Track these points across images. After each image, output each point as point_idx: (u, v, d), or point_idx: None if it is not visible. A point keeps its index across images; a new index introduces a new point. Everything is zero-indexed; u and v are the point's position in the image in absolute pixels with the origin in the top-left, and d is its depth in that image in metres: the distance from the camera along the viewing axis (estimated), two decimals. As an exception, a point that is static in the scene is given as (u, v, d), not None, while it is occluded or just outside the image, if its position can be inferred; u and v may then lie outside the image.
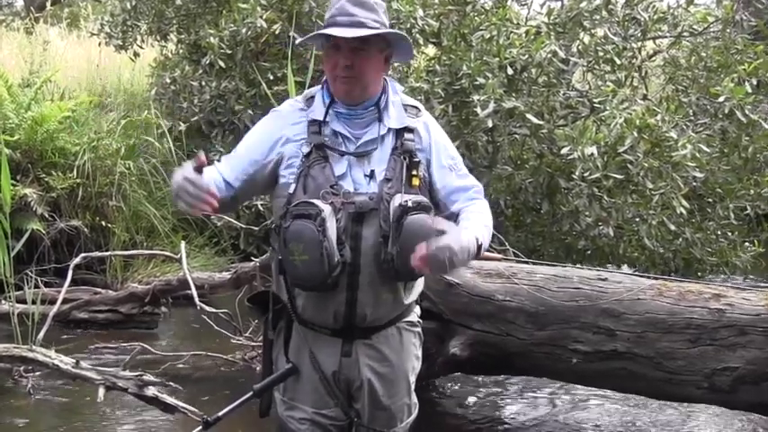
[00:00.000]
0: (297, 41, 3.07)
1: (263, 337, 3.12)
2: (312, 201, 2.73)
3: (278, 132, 2.89)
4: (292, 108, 2.96)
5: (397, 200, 2.75)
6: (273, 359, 3.06)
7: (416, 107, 2.98)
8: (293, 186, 2.81)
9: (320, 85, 2.95)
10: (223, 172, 2.87)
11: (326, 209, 2.71)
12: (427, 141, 2.92)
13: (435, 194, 2.92)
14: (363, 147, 2.85)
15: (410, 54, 3.02)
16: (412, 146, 2.87)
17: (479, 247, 2.70)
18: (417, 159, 2.85)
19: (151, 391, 4.75)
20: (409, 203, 2.75)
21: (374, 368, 2.94)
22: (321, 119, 2.86)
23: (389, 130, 2.87)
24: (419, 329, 3.09)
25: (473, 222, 2.82)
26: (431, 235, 2.67)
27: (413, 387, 3.08)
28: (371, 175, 2.82)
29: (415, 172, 2.83)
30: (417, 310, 3.08)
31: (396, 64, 7.16)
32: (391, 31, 2.86)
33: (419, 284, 3.03)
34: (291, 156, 2.85)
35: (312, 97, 2.93)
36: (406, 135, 2.88)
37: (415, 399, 3.11)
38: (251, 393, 2.97)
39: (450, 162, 2.96)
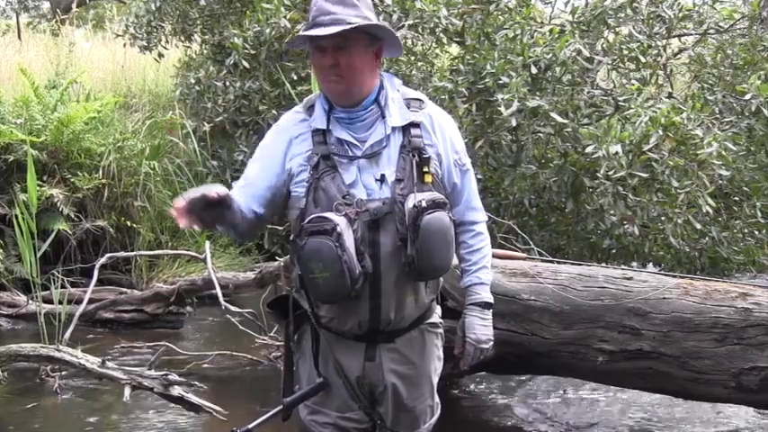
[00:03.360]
0: (287, 46, 3.06)
1: (285, 341, 3.12)
2: (325, 215, 2.69)
3: (283, 150, 2.86)
4: (294, 120, 2.92)
5: (411, 201, 2.72)
6: (294, 362, 3.06)
7: (419, 99, 2.92)
8: (304, 200, 2.79)
9: (319, 92, 2.91)
10: (243, 203, 2.83)
11: (341, 222, 2.67)
12: (435, 134, 2.87)
13: (443, 190, 2.89)
14: (371, 149, 2.80)
15: (399, 47, 2.97)
16: (419, 142, 2.82)
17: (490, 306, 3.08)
18: (427, 155, 2.81)
19: (176, 390, 4.77)
20: (423, 203, 2.72)
21: (398, 371, 2.93)
22: (323, 127, 2.82)
23: (394, 128, 2.82)
24: (441, 330, 3.07)
25: (482, 278, 3.06)
26: (449, 233, 2.78)
27: (435, 388, 3.07)
28: (382, 179, 2.78)
29: (426, 168, 2.79)
30: (438, 310, 3.07)
31: (419, 63, 7.19)
32: (370, 23, 2.77)
33: (439, 281, 3.02)
34: (300, 170, 2.83)
35: (312, 106, 2.89)
36: (413, 131, 2.83)
37: (437, 399, 3.10)
38: (281, 407, 2.96)
39: (455, 157, 2.93)
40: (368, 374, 2.92)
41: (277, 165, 2.86)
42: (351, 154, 2.80)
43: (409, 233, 2.71)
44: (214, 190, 2.57)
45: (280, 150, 2.87)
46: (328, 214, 2.69)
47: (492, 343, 3.07)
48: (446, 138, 2.91)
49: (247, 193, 2.87)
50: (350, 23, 2.70)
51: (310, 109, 2.89)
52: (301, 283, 2.87)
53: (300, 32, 2.83)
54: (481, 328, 3.03)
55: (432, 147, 2.85)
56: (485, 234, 3.09)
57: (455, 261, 3.02)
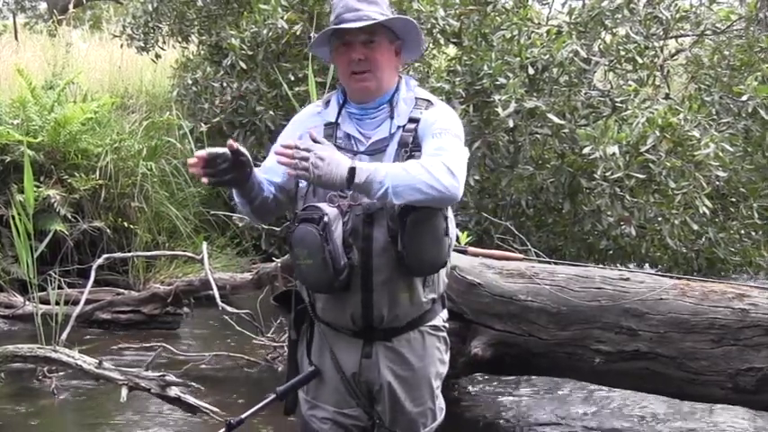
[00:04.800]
0: (309, 49, 3.08)
1: (288, 336, 3.14)
2: (317, 205, 2.75)
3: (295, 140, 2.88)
4: (310, 113, 3.01)
5: None
6: (298, 359, 3.07)
7: (428, 100, 2.92)
8: (305, 190, 2.85)
9: (338, 88, 2.97)
10: (264, 181, 2.91)
11: (331, 212, 2.72)
12: (427, 132, 2.80)
13: None
14: (374, 146, 2.84)
15: (419, 46, 3.02)
16: (409, 137, 2.82)
17: (352, 171, 2.60)
18: (420, 152, 2.80)
19: (173, 391, 4.77)
20: None
21: (395, 371, 2.92)
22: (333, 120, 2.88)
23: (399, 127, 2.85)
24: (444, 334, 3.05)
25: (381, 167, 2.66)
26: (437, 230, 2.78)
27: (437, 392, 3.04)
28: None
29: None
30: (444, 314, 3.05)
31: (416, 64, 7.19)
32: (401, 17, 2.89)
33: (440, 282, 2.99)
34: None
35: (329, 101, 2.96)
36: (407, 126, 2.84)
37: (441, 403, 3.07)
38: (273, 396, 2.98)
39: (437, 132, 2.78)
40: (364, 372, 2.92)
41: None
42: (355, 149, 2.85)
43: (399, 229, 2.73)
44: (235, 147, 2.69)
45: (292, 140, 2.90)
46: (320, 204, 2.75)
47: (328, 173, 2.62)
48: (433, 124, 2.82)
49: (264, 176, 2.93)
50: (375, 19, 2.78)
51: (327, 103, 2.96)
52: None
53: (330, 26, 2.87)
54: (336, 158, 2.65)
55: (421, 139, 2.83)
56: (437, 165, 2.64)
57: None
